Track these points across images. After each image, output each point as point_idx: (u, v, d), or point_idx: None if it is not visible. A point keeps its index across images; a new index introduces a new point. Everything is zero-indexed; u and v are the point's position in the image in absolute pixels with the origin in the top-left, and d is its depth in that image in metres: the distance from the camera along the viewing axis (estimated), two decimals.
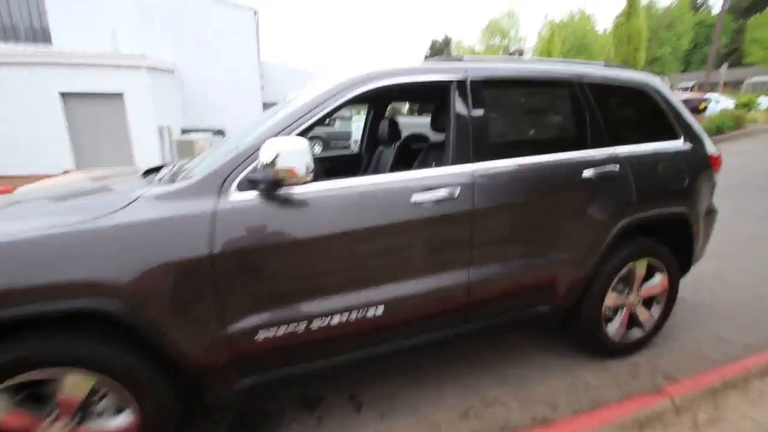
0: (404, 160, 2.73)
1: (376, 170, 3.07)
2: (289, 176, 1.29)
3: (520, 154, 1.80)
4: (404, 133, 2.88)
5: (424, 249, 1.63)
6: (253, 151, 1.40)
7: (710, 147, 2.31)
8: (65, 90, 11.57)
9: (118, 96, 11.96)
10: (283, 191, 1.40)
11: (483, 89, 1.76)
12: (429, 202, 1.59)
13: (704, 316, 2.68)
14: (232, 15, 15.59)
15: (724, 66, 16.54)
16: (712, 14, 37.10)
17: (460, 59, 1.82)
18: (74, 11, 13.21)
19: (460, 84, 1.73)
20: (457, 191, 1.62)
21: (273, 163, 1.28)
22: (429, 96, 2.64)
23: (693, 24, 31.17)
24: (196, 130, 12.99)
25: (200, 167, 1.50)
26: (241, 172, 1.39)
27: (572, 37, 30.27)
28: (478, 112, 1.74)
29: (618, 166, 1.94)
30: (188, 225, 1.29)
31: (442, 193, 1.60)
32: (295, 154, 1.28)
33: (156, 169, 1.99)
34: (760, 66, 26.93)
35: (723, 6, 14.24)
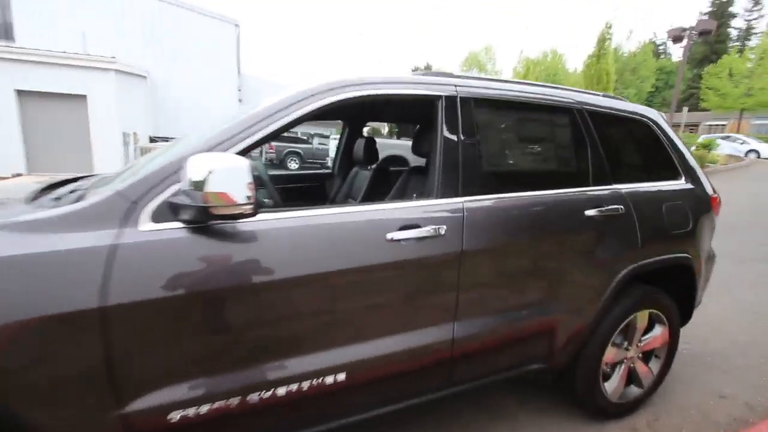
0: (381, 185, 2.44)
1: (350, 193, 2.76)
2: (222, 203, 0.95)
3: (516, 187, 1.54)
4: (382, 155, 2.62)
5: (400, 299, 1.31)
6: (176, 169, 1.05)
7: (709, 187, 2.14)
8: (21, 87, 10.77)
9: (81, 98, 11.24)
10: (217, 223, 1.05)
11: (475, 109, 1.50)
12: (409, 241, 1.28)
13: (698, 369, 2.47)
14: (212, 26, 15.30)
15: (685, 110, 17.61)
16: (672, 60, 40.11)
17: (449, 74, 1.56)
18: (42, 11, 12.47)
19: (449, 101, 1.46)
20: (444, 229, 1.33)
21: (202, 184, 0.94)
22: (411, 115, 2.38)
23: (654, 69, 33.36)
24: (166, 139, 12.35)
25: (110, 185, 1.13)
26: (158, 195, 1.04)
27: (545, 74, 31.68)
28: (469, 136, 1.47)
29: (622, 206, 1.71)
30: (69, 267, 0.91)
31: (425, 230, 1.30)
32: (231, 175, 0.95)
33: (70, 182, 1.59)
34: (715, 111, 29.00)
35: (683, 58, 15.24)
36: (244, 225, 1.09)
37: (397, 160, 2.73)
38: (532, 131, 1.74)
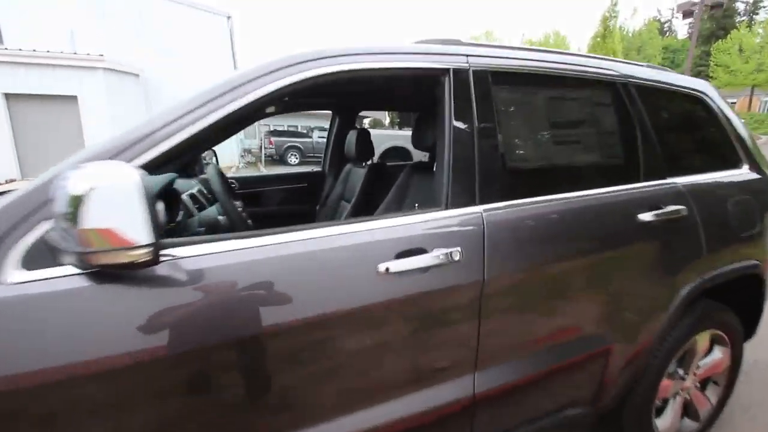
0: (378, 185, 2.08)
1: (343, 194, 2.41)
2: (106, 246, 0.60)
3: (550, 188, 1.17)
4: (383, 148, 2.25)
5: (400, 352, 0.96)
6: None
7: None
8: (10, 90, 10.45)
9: (72, 98, 10.91)
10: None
11: (494, 86, 1.13)
12: (410, 273, 0.92)
13: (752, 389, 2.12)
14: (203, 19, 14.84)
15: None
16: (677, 38, 39.02)
17: (458, 41, 1.19)
18: (29, 12, 12.07)
19: (459, 76, 1.09)
20: (458, 252, 0.97)
21: (76, 214, 0.59)
22: (410, 97, 2.00)
23: (660, 48, 32.43)
24: None
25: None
26: (30, 230, 0.69)
27: None
28: (487, 122, 1.10)
29: (684, 206, 1.34)
30: None
31: (432, 256, 0.94)
32: (118, 199, 0.59)
33: None
34: (724, 89, 28.21)
35: (694, 30, 14.61)
36: (170, 265, 0.74)
37: (400, 153, 2.36)
38: (567, 113, 1.36)
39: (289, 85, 0.90)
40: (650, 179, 1.35)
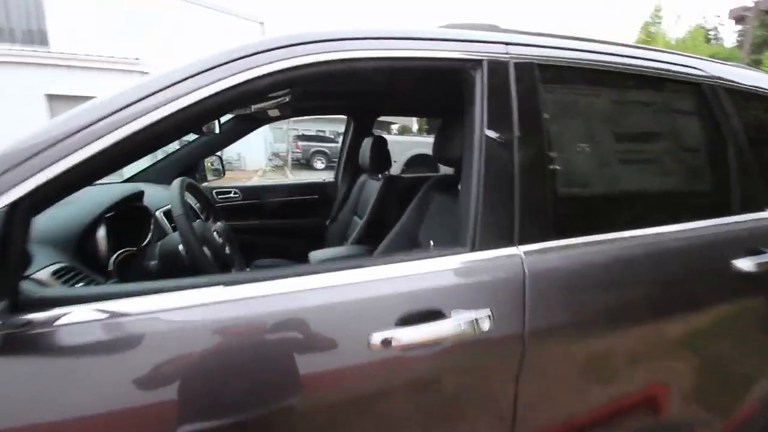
0: (394, 201, 1.82)
1: (356, 209, 2.17)
2: None
3: (618, 223, 0.87)
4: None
5: None
6: None
7: None
8: (52, 92, 10.96)
9: None
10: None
11: (541, 84, 0.84)
12: (416, 348, 0.65)
13: None
14: (236, 25, 15.20)
15: None
16: (724, 46, 36.95)
17: (494, 27, 0.92)
18: (73, 17, 12.71)
19: (495, 68, 0.80)
20: (486, 318, 0.68)
21: None
22: (434, 98, 1.73)
23: (707, 56, 30.76)
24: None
25: None
26: None
27: None
28: (532, 130, 0.82)
29: None
30: None
31: (452, 324, 0.66)
32: None
33: None
34: None
35: (745, 43, 13.71)
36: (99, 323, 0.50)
37: (427, 162, 2.09)
38: (639, 123, 1.04)
39: (268, 75, 0.66)
40: (745, 211, 1.02)
